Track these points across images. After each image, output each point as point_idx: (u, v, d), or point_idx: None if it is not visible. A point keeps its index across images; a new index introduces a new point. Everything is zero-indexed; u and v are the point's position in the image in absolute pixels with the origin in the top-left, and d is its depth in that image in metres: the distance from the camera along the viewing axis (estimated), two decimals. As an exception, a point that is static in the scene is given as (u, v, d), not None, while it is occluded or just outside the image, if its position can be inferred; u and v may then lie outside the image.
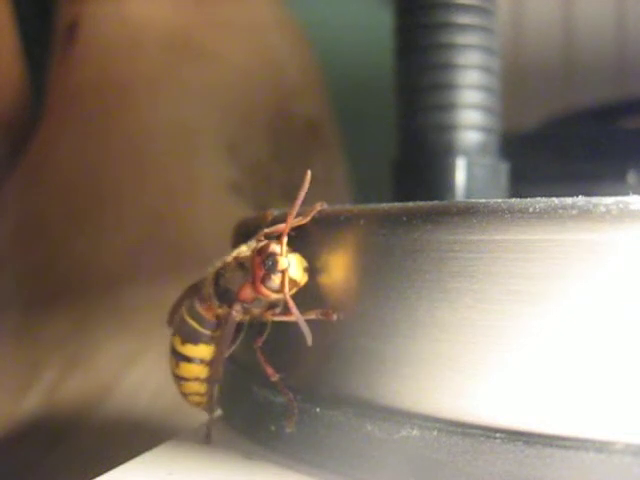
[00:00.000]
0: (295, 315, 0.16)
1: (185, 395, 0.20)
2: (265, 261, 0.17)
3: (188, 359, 0.19)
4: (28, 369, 0.35)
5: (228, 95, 0.42)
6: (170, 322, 0.21)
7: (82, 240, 0.38)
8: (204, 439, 0.19)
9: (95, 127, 0.40)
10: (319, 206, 0.17)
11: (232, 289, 0.18)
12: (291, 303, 0.16)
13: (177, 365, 0.20)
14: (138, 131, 0.40)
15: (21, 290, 0.37)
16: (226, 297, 0.18)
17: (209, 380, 0.20)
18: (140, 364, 0.35)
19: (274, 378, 0.18)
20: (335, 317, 0.16)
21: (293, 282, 0.17)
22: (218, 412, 0.21)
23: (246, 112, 0.42)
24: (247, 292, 0.17)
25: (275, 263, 0.17)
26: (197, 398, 0.20)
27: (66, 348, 0.35)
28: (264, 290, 0.17)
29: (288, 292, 0.16)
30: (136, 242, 0.37)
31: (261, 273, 0.17)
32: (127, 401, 0.34)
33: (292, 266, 0.17)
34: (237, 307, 0.18)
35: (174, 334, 0.20)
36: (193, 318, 0.19)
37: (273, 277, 0.17)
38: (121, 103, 0.40)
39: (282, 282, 0.17)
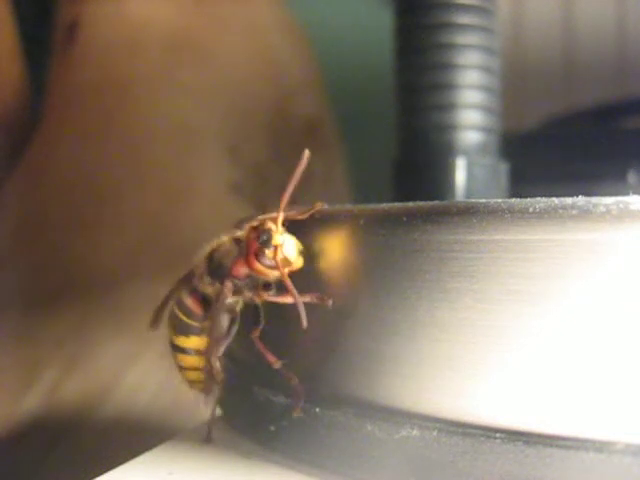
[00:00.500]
0: (291, 292, 0.16)
1: (189, 383, 0.21)
2: (260, 236, 0.17)
3: (182, 350, 0.20)
4: (28, 369, 0.35)
5: (228, 95, 0.42)
6: (153, 323, 0.21)
7: (82, 240, 0.38)
8: (204, 438, 0.19)
9: (95, 127, 0.40)
10: (319, 205, 0.17)
11: (225, 264, 0.18)
12: (287, 279, 0.16)
13: (175, 356, 0.20)
14: (138, 131, 0.40)
15: (21, 290, 0.37)
16: (219, 273, 0.18)
17: (207, 374, 0.20)
18: (140, 364, 0.35)
19: (276, 365, 0.17)
20: (330, 302, 0.16)
21: (286, 261, 0.17)
22: (218, 411, 0.21)
23: (246, 112, 0.42)
24: (240, 267, 0.17)
25: (270, 238, 0.17)
26: (200, 385, 0.20)
27: (66, 348, 0.35)
28: (257, 265, 0.17)
29: (283, 268, 0.16)
30: (136, 242, 0.37)
31: (255, 247, 0.17)
32: (127, 401, 0.34)
33: (287, 244, 0.17)
34: (229, 284, 0.18)
35: (168, 327, 0.20)
36: (182, 311, 0.19)
37: (267, 252, 0.17)
38: (121, 103, 0.40)
39: (275, 257, 0.16)
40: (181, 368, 0.20)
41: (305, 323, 0.16)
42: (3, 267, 0.38)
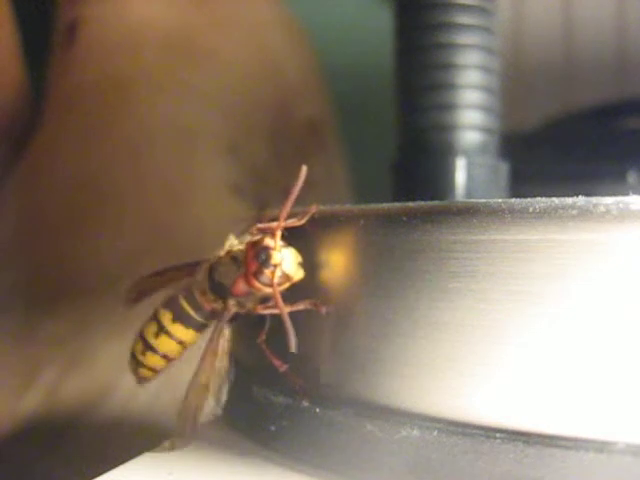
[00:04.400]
0: (281, 311, 0.16)
1: (139, 363, 0.20)
2: (259, 255, 0.17)
3: (171, 335, 0.19)
4: (28, 369, 0.35)
5: (228, 96, 0.42)
6: (130, 298, 0.21)
7: (82, 240, 0.38)
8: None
9: (95, 127, 0.40)
10: (314, 208, 0.17)
11: (226, 284, 0.18)
12: (279, 299, 0.16)
13: (156, 335, 0.20)
14: (138, 131, 0.40)
15: (21, 290, 0.37)
16: (221, 291, 0.18)
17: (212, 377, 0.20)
18: (140, 364, 0.35)
19: (282, 369, 0.18)
20: (324, 309, 0.16)
21: (286, 277, 0.17)
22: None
23: (246, 113, 0.42)
24: (241, 286, 0.17)
25: (268, 257, 0.17)
26: (149, 373, 0.20)
27: (66, 348, 0.35)
28: (257, 284, 0.17)
29: (277, 287, 0.16)
30: (136, 242, 0.37)
31: (254, 267, 0.17)
32: (127, 401, 0.34)
33: (286, 260, 0.17)
34: (232, 301, 0.18)
35: (165, 308, 0.20)
36: (190, 304, 0.19)
37: (266, 271, 0.17)
38: (121, 103, 0.40)
39: (272, 278, 0.16)
40: (148, 347, 0.20)
41: (294, 348, 0.16)
42: (3, 267, 0.38)
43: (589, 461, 0.14)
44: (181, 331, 0.19)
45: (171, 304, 0.20)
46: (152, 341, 0.20)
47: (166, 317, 0.20)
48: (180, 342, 0.19)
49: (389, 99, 0.30)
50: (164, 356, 0.20)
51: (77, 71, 0.41)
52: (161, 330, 0.20)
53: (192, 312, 0.19)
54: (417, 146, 0.28)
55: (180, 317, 0.19)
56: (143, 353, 0.20)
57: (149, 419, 0.34)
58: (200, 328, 0.19)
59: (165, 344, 0.20)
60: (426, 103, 0.28)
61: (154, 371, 0.20)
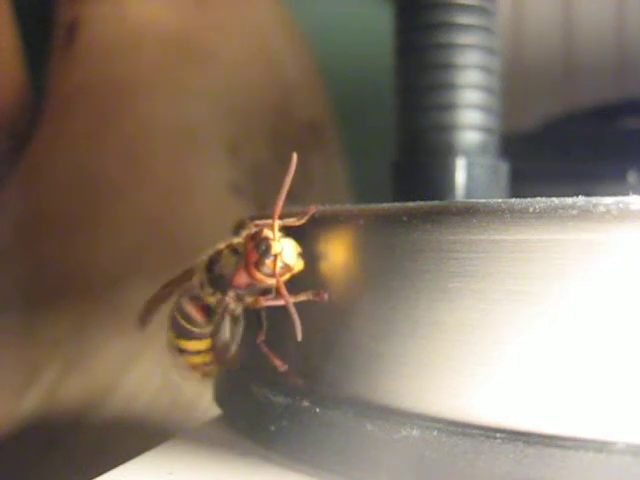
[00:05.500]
0: (287, 303, 0.16)
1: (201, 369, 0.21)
2: (258, 245, 0.17)
3: (184, 351, 0.20)
4: (28, 369, 0.35)
5: (228, 96, 0.42)
6: (141, 321, 0.22)
7: (82, 240, 0.38)
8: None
9: (95, 127, 0.40)
10: (314, 208, 0.17)
11: (226, 275, 0.18)
12: (282, 288, 0.16)
13: (176, 356, 0.20)
14: (137, 132, 0.40)
15: (21, 290, 0.37)
16: (220, 283, 0.18)
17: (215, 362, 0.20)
18: (140, 364, 0.35)
19: (282, 368, 0.18)
20: (326, 296, 0.17)
21: (287, 267, 0.17)
22: (216, 412, 0.21)
23: (246, 113, 0.42)
24: (241, 277, 0.18)
25: (268, 247, 0.17)
26: (203, 369, 0.21)
27: (66, 348, 0.35)
28: (258, 275, 0.17)
29: (279, 277, 0.16)
30: (136, 242, 0.37)
31: (254, 257, 0.17)
32: (127, 401, 0.34)
33: (286, 250, 0.17)
34: (231, 293, 0.18)
35: (169, 328, 0.20)
36: (183, 317, 0.19)
37: (267, 261, 0.17)
38: (121, 104, 0.40)
39: (274, 267, 0.17)
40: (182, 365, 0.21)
41: (300, 336, 0.16)
42: (3, 267, 0.38)
43: (589, 461, 0.14)
44: (187, 344, 0.20)
45: (171, 322, 0.20)
46: (179, 362, 0.21)
47: (172, 336, 0.20)
48: (197, 352, 0.20)
49: (389, 99, 0.30)
50: (205, 364, 0.20)
51: (77, 71, 0.41)
52: (176, 351, 0.20)
53: (186, 324, 0.19)
54: (417, 146, 0.28)
55: (180, 332, 0.20)
56: (196, 367, 0.21)
57: (149, 419, 0.34)
58: (200, 336, 0.20)
59: (190, 359, 0.20)
60: (426, 103, 0.28)
61: (210, 373, 0.21)
